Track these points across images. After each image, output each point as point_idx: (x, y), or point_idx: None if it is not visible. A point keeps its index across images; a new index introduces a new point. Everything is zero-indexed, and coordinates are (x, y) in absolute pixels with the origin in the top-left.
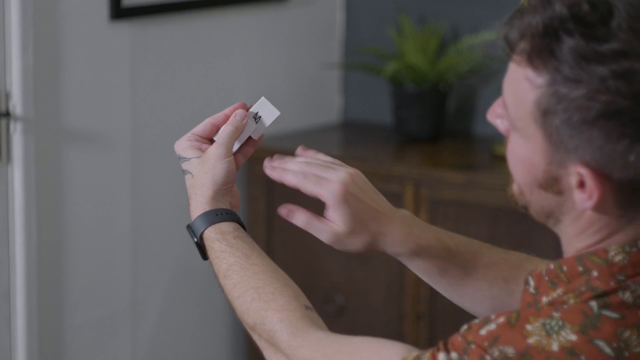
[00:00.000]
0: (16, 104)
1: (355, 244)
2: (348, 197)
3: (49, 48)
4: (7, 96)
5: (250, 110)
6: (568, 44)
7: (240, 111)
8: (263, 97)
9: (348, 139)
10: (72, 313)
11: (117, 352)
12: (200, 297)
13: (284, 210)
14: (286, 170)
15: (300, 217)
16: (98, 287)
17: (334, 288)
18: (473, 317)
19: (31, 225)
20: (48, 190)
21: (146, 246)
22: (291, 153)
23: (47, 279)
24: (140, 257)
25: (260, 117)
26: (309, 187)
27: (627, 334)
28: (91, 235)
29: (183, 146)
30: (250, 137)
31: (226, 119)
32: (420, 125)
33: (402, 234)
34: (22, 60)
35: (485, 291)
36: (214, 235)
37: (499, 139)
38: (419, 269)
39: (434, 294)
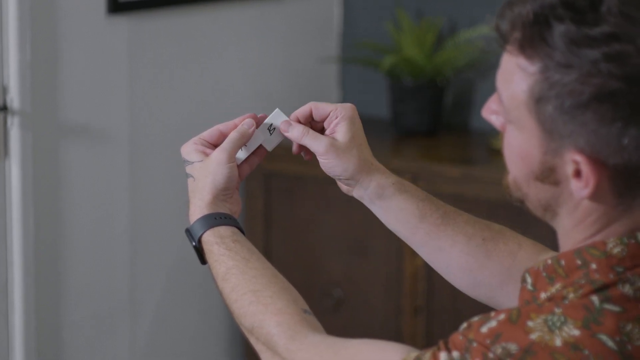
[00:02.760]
0: (13, 98)
1: (348, 162)
2: (356, 117)
3: (46, 42)
4: (5, 90)
5: (265, 121)
6: (559, 29)
7: (248, 120)
8: (277, 109)
9: None
10: (70, 310)
11: (115, 349)
12: (198, 295)
13: (283, 125)
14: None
15: (296, 129)
16: (96, 283)
17: (332, 283)
18: (469, 311)
19: (29, 220)
20: (45, 185)
21: (144, 243)
22: (288, 148)
23: (44, 276)
24: (138, 254)
25: (274, 128)
26: (321, 106)
27: (629, 327)
28: (89, 231)
29: (188, 150)
30: (260, 147)
31: (235, 127)
32: (418, 119)
33: (386, 171)
34: (20, 54)
35: (462, 245)
36: (212, 239)
37: (496, 132)
38: (400, 210)
39: (431, 288)
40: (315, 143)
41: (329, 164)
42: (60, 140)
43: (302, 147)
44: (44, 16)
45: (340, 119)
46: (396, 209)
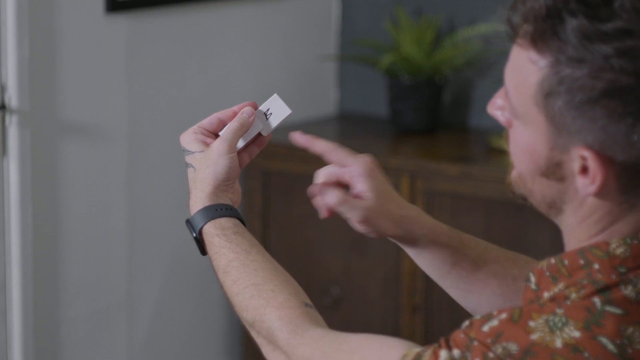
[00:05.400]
0: (12, 97)
1: (384, 226)
2: (376, 171)
3: (44, 41)
4: (3, 89)
5: (260, 108)
6: (571, 24)
7: (247, 109)
8: (275, 94)
9: (344, 131)
10: (67, 306)
11: (113, 344)
12: (196, 290)
13: (315, 189)
14: (316, 140)
15: (333, 195)
16: (94, 280)
17: (330, 280)
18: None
19: (27, 218)
20: (44, 183)
21: (142, 239)
22: (287, 146)
23: (42, 272)
24: (135, 249)
25: (271, 114)
26: (340, 156)
27: (630, 330)
28: (87, 228)
29: (188, 139)
30: (258, 135)
31: (234, 115)
32: (416, 117)
33: (418, 219)
34: (18, 52)
35: (493, 288)
36: (213, 231)
37: (495, 131)
38: (433, 258)
39: (429, 286)
40: (352, 211)
41: (365, 230)
42: (59, 139)
43: (332, 211)
44: (42, 14)
45: (360, 178)
46: (428, 257)
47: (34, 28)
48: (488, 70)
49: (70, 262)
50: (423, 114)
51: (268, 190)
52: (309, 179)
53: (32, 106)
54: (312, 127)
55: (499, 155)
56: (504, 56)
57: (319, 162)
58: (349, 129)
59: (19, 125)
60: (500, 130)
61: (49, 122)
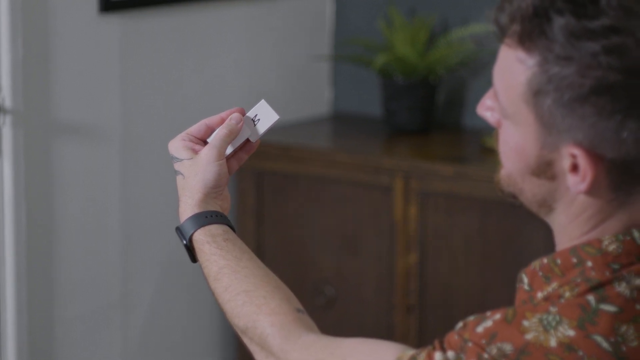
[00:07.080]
0: (5, 97)
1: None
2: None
3: (38, 41)
4: None
5: (248, 114)
6: (558, 22)
7: (235, 115)
8: (263, 100)
9: (338, 131)
10: (62, 306)
11: (108, 344)
12: (190, 289)
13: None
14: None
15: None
16: (89, 280)
17: (324, 280)
18: (462, 309)
19: (21, 218)
20: (38, 183)
21: (137, 239)
22: (282, 146)
23: (37, 273)
24: (130, 249)
25: (259, 120)
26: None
27: (624, 328)
28: (81, 228)
29: (176, 146)
30: (247, 141)
31: (221, 121)
32: (410, 117)
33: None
34: (12, 53)
35: None
36: (203, 238)
37: (489, 131)
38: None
39: (423, 286)
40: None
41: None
42: (53, 139)
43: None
44: (36, 15)
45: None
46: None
47: (28, 28)
48: (482, 70)
49: (65, 262)
50: (417, 114)
51: (261, 190)
52: (302, 179)
53: (26, 106)
54: (306, 127)
55: (493, 155)
56: (497, 53)
57: (312, 161)
58: (343, 128)
59: (12, 125)
60: (494, 130)
61: (43, 122)
